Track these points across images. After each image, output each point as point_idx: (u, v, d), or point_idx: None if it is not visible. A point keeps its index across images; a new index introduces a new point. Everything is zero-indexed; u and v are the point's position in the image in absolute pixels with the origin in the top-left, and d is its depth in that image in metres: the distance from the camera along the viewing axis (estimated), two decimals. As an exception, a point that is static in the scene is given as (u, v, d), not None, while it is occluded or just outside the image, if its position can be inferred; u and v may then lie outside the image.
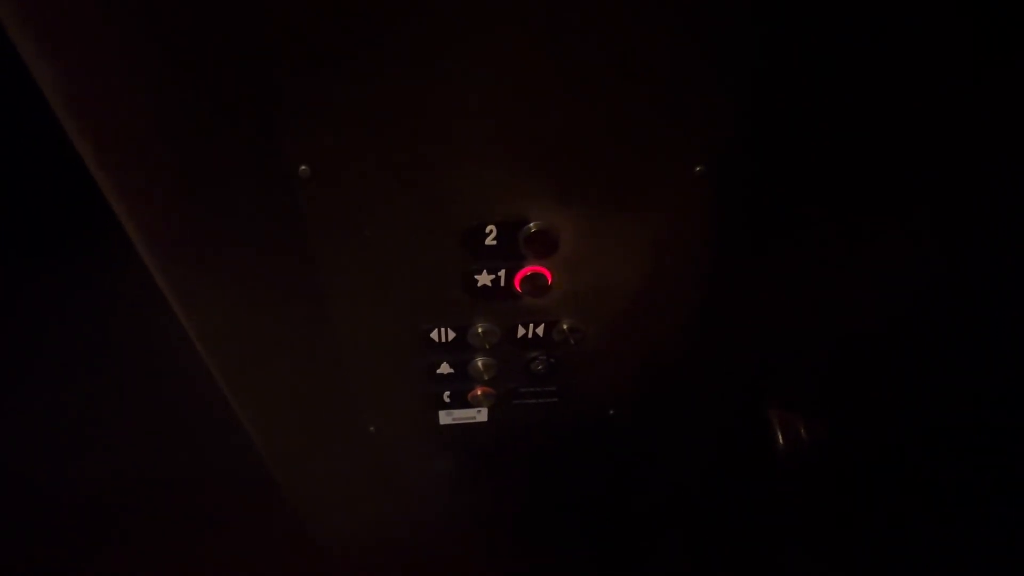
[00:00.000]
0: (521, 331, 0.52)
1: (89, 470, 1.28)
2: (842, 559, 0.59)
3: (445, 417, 0.62)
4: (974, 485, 0.54)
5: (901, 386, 0.54)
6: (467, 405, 0.60)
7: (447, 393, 0.58)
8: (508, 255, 0.45)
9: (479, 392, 0.58)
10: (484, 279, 0.46)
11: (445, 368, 0.55)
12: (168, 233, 0.41)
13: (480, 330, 0.50)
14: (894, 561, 0.60)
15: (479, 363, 0.54)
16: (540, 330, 0.52)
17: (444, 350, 0.53)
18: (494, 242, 0.44)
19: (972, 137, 0.42)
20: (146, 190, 0.38)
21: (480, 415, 0.62)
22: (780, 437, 0.53)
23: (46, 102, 0.34)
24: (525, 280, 0.46)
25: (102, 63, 0.32)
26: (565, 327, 0.52)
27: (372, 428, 0.61)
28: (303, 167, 0.37)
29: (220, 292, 0.45)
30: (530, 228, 0.43)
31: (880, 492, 0.58)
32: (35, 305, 1.58)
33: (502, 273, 0.46)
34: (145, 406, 1.40)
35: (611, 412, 0.65)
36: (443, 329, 0.51)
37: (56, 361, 1.50)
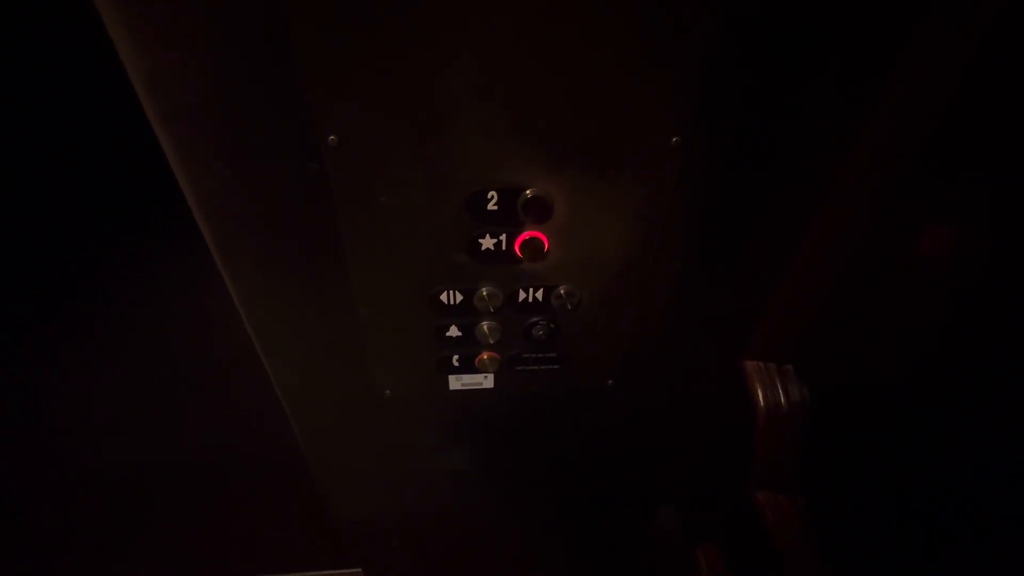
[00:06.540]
0: (522, 295, 0.57)
1: (114, 458, 1.35)
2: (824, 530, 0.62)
3: (455, 382, 0.67)
4: (966, 459, 0.55)
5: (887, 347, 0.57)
6: (475, 370, 0.65)
7: (456, 357, 0.64)
8: (508, 220, 0.51)
9: (485, 357, 0.63)
10: (487, 243, 0.52)
11: (454, 331, 0.60)
12: (216, 194, 0.48)
13: (485, 293, 0.56)
14: (876, 533, 0.62)
15: (484, 327, 0.60)
16: (539, 295, 0.57)
17: (453, 313, 0.58)
18: (495, 207, 0.50)
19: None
20: (201, 156, 0.45)
21: (487, 381, 0.68)
22: (759, 392, 0.57)
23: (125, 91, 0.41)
24: (524, 244, 0.52)
25: (175, 53, 0.40)
26: (562, 291, 0.57)
27: (388, 392, 0.67)
28: (332, 136, 0.44)
29: (258, 252, 0.52)
30: (526, 195, 0.49)
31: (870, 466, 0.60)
32: (51, 303, 1.68)
33: (503, 237, 0.52)
34: (169, 396, 1.48)
35: (609, 382, 0.69)
36: (451, 291, 0.56)
37: (89, 354, 1.60)
